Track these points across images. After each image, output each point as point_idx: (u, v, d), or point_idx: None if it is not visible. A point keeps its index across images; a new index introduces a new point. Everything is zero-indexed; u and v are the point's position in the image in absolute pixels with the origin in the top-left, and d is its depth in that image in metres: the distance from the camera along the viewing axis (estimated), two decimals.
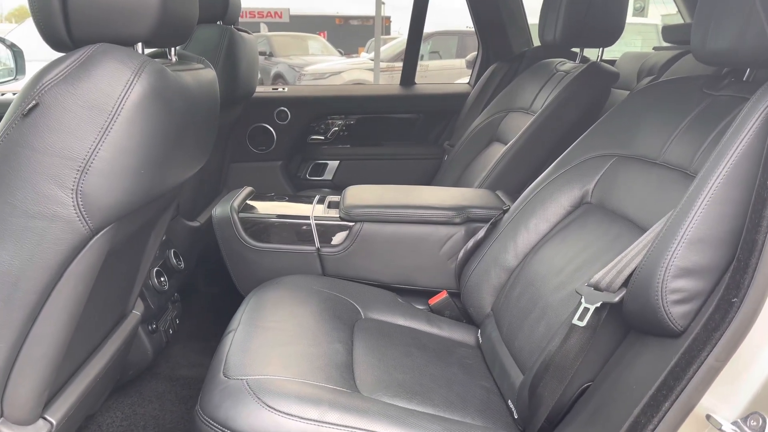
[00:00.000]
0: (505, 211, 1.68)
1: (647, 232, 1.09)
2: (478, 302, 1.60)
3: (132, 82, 0.96)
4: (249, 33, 2.46)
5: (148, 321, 1.78)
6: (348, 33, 18.53)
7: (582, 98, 2.14)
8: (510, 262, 1.56)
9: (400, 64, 3.20)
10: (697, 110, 1.27)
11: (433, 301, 1.73)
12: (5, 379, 1.05)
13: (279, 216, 1.81)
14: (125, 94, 0.95)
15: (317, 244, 1.78)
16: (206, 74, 1.32)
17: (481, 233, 1.67)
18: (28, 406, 1.09)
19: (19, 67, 1.99)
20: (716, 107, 1.23)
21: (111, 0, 0.98)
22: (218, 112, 1.41)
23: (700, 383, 0.88)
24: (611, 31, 2.12)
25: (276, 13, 16.39)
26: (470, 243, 1.68)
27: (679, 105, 1.33)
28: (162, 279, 1.86)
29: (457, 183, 2.48)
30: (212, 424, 1.09)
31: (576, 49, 2.33)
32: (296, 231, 1.79)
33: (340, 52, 14.46)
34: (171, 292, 1.95)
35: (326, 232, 1.79)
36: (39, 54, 1.34)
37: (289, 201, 2.04)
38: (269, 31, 14.52)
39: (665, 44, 3.20)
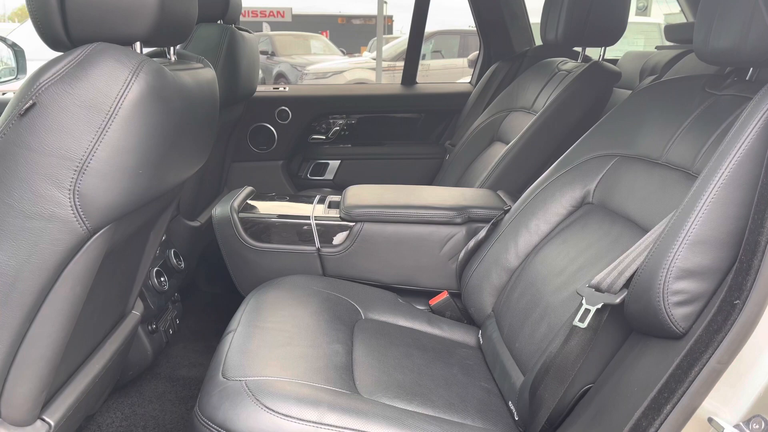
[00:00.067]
0: (506, 212, 1.67)
1: (649, 233, 1.09)
2: (479, 303, 1.59)
3: (130, 81, 0.95)
4: (250, 32, 2.46)
5: (148, 321, 1.77)
6: (350, 32, 18.54)
7: (584, 98, 2.14)
8: (511, 262, 1.55)
9: (402, 64, 3.19)
10: (700, 110, 1.26)
11: (434, 301, 1.73)
12: (3, 380, 1.04)
13: (279, 216, 1.81)
14: (123, 94, 0.94)
15: (317, 244, 1.78)
16: (205, 74, 1.31)
17: (482, 233, 1.67)
18: (26, 407, 1.09)
19: (21, 66, 2.00)
20: (719, 107, 1.22)
21: None
22: (218, 111, 1.40)
23: (702, 386, 0.88)
24: (613, 30, 2.12)
25: (278, 12, 16.40)
26: (471, 243, 1.67)
27: (682, 104, 1.32)
28: (162, 279, 1.86)
29: (458, 183, 2.47)
30: (211, 426, 1.09)
31: (578, 49, 2.32)
32: (296, 231, 1.79)
33: (343, 52, 14.45)
34: (171, 292, 1.94)
35: (327, 232, 1.78)
36: (40, 54, 1.33)
37: (289, 201, 2.03)
38: (272, 30, 14.53)
39: (668, 43, 3.18)
